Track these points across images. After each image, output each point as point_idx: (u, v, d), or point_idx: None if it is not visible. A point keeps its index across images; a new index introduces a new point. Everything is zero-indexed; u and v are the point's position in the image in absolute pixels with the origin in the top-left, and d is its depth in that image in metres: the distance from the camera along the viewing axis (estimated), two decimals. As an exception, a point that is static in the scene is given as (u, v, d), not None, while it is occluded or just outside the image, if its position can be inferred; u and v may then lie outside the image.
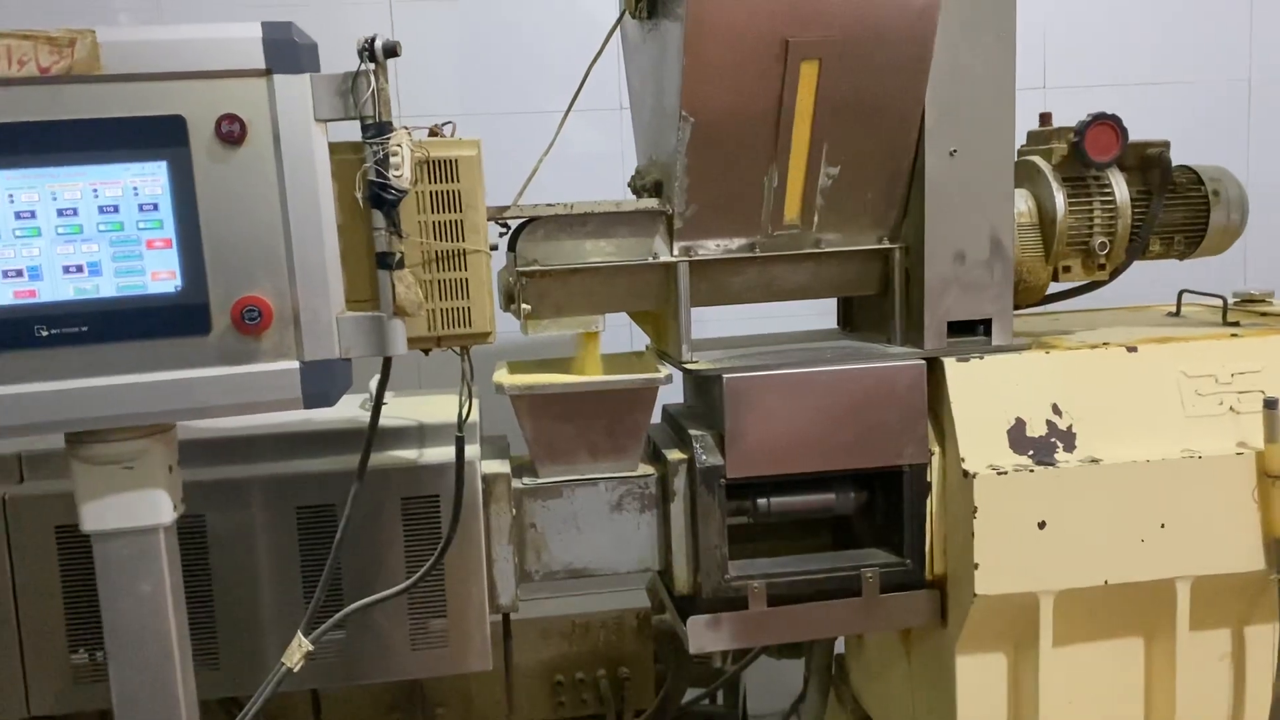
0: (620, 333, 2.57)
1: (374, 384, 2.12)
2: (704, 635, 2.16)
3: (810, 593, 2.17)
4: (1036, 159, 2.32)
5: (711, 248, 2.18)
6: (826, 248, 2.21)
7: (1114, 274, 2.35)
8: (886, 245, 2.22)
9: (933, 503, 2.17)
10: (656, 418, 2.37)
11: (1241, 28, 3.60)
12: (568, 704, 2.76)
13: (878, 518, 2.26)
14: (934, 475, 2.16)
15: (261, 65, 1.52)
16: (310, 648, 1.80)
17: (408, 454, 2.08)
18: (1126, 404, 2.15)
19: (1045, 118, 2.42)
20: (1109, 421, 2.13)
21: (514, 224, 2.14)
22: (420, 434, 2.12)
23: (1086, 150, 2.24)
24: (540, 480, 2.16)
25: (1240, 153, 3.60)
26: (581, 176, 2.58)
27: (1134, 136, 2.29)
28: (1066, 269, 2.32)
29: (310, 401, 1.59)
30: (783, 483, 2.19)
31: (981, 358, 2.15)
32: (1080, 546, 2.07)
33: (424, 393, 2.45)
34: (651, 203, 2.15)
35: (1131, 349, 2.19)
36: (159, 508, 1.63)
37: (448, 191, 1.69)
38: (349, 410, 2.17)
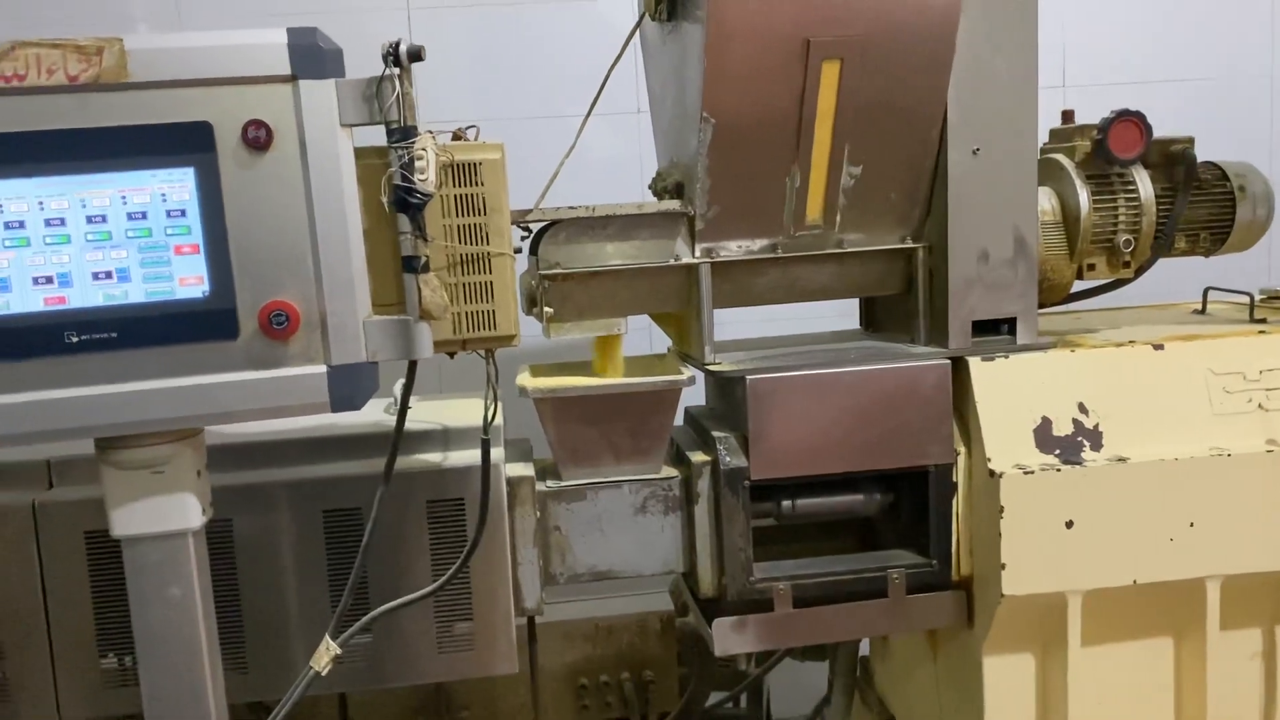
0: (639, 335, 2.57)
1: (398, 388, 2.13)
2: (729, 637, 2.15)
3: (836, 594, 2.16)
4: (1059, 157, 2.31)
5: (733, 249, 2.18)
6: (849, 248, 2.20)
7: (1139, 271, 2.34)
8: (910, 245, 2.21)
9: (958, 503, 2.16)
10: (678, 420, 2.36)
11: (1263, 24, 3.58)
12: (592, 707, 2.76)
13: (902, 519, 2.25)
14: (960, 475, 2.15)
15: (287, 71, 1.53)
16: (338, 651, 1.80)
17: (432, 457, 2.09)
18: (1153, 402, 2.13)
19: (1067, 115, 2.41)
20: (1136, 420, 2.12)
21: (535, 227, 2.14)
22: (445, 437, 2.13)
23: (1110, 147, 2.22)
24: (564, 483, 2.16)
25: (1263, 149, 3.56)
26: (598, 180, 2.58)
27: (1156, 133, 2.28)
28: (1091, 267, 2.31)
29: (338, 405, 1.59)
30: (807, 484, 2.18)
31: (1007, 357, 2.14)
32: (1108, 546, 2.06)
33: (446, 396, 2.45)
34: (673, 204, 2.15)
35: (1158, 347, 2.17)
36: (188, 512, 1.64)
37: (472, 195, 1.70)
38: (373, 414, 2.18)
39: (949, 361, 2.13)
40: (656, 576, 2.26)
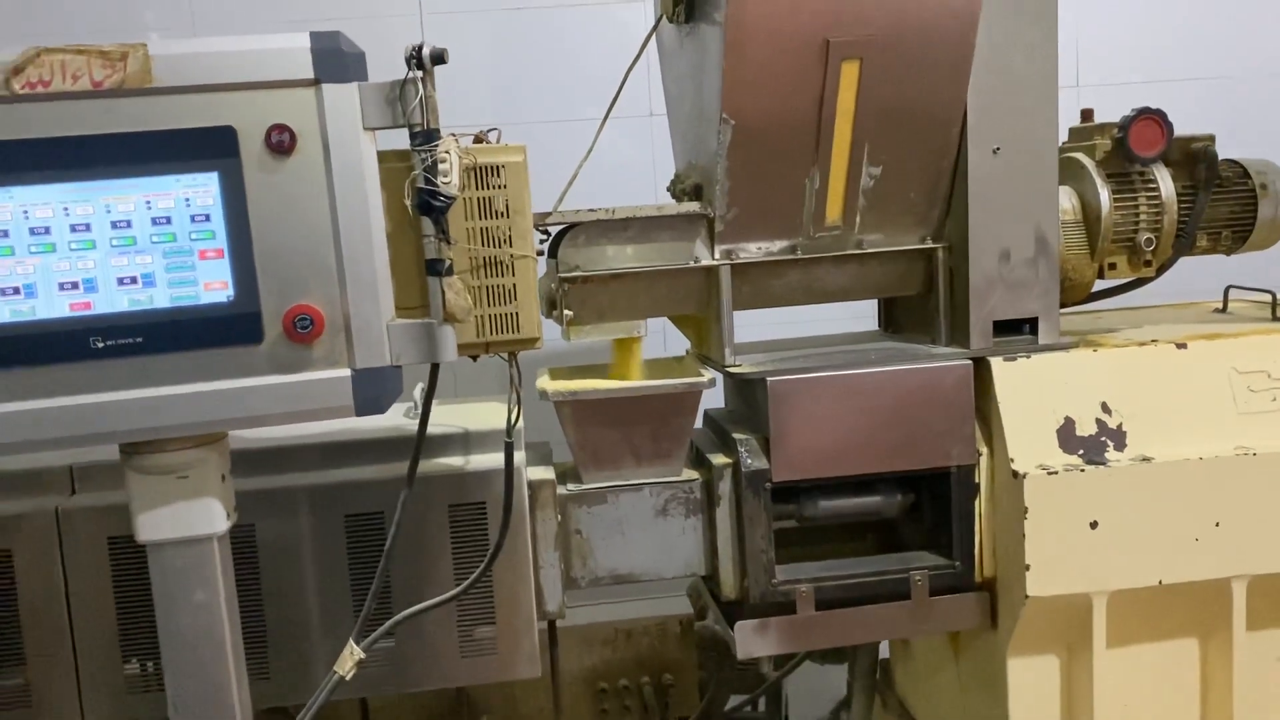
0: (653, 338, 2.56)
1: (418, 392, 2.13)
2: (752, 640, 2.14)
3: (858, 596, 2.16)
4: (1079, 156, 2.30)
5: (753, 250, 2.17)
6: (869, 248, 2.19)
7: (1160, 270, 2.32)
8: (930, 245, 2.20)
9: (981, 504, 2.15)
10: (697, 423, 2.36)
11: (1280, 20, 3.56)
12: (611, 711, 2.75)
13: (924, 520, 2.24)
14: (982, 476, 2.14)
15: (310, 75, 1.53)
16: (362, 655, 1.80)
17: (454, 461, 2.08)
18: (1177, 401, 2.12)
19: (1087, 114, 2.40)
20: (1160, 419, 2.10)
21: (554, 230, 2.14)
22: (465, 441, 2.12)
23: (1131, 145, 2.22)
24: (585, 486, 2.16)
25: (1281, 147, 3.55)
26: (611, 184, 2.58)
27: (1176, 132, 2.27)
28: (1112, 266, 2.30)
29: (362, 409, 1.59)
30: (827, 486, 2.17)
31: (1029, 357, 2.13)
32: (1133, 546, 2.05)
33: (465, 400, 2.45)
34: (693, 206, 2.15)
35: (1181, 346, 2.16)
36: (213, 517, 1.64)
37: (495, 197, 1.69)
38: (392, 418, 2.18)
39: (970, 362, 2.13)
40: (678, 579, 2.26)
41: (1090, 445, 2.08)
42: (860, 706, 2.77)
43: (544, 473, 2.16)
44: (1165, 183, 2.28)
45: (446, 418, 2.21)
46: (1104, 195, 2.24)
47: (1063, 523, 2.03)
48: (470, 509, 2.05)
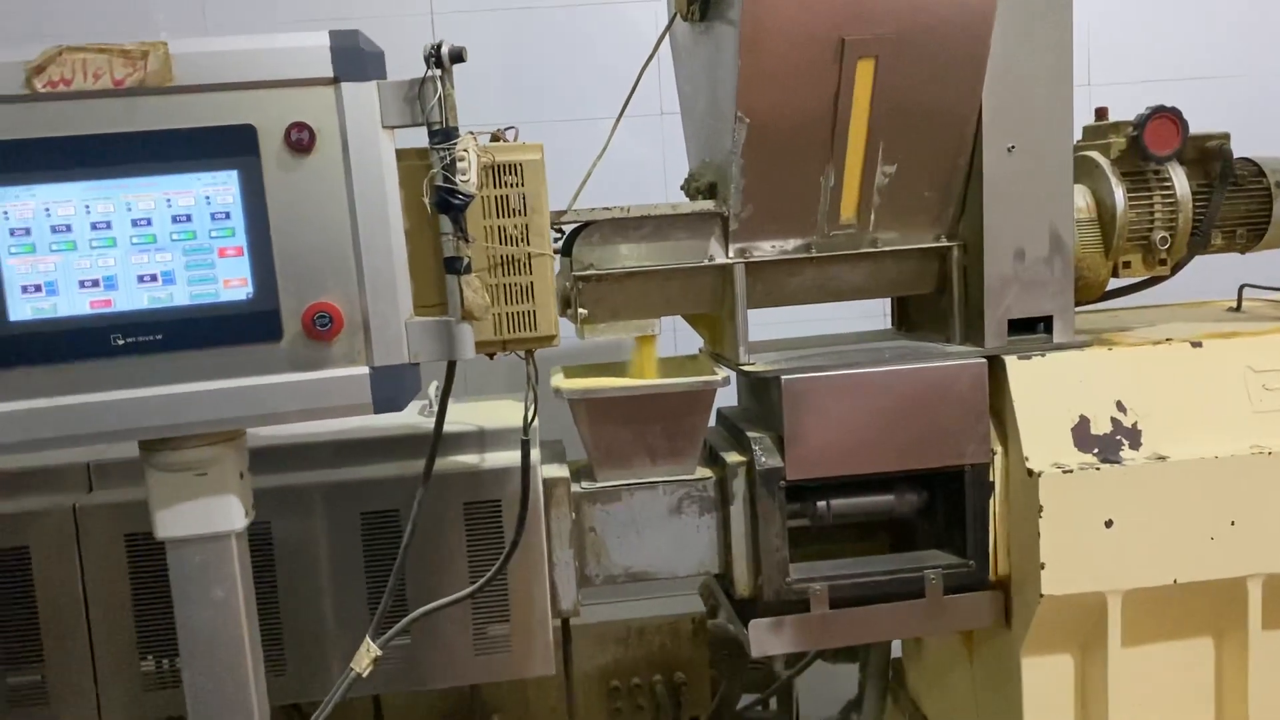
0: (662, 337, 2.56)
1: (432, 389, 2.14)
2: (766, 638, 2.14)
3: (872, 595, 2.15)
4: (1094, 154, 2.30)
5: (767, 249, 2.17)
6: (884, 247, 2.19)
7: (1175, 269, 2.32)
8: (944, 243, 2.20)
9: (995, 503, 2.15)
10: (710, 421, 2.36)
11: (1292, 18, 3.55)
12: (624, 710, 2.75)
13: (938, 519, 2.24)
14: (996, 475, 2.14)
15: (329, 74, 1.53)
16: (379, 653, 1.81)
17: (469, 459, 2.09)
18: (1192, 400, 2.12)
19: (1101, 112, 2.40)
20: (1175, 418, 2.10)
21: (568, 229, 2.14)
22: (480, 439, 2.13)
23: (1147, 144, 2.21)
24: (599, 484, 2.16)
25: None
26: (621, 183, 2.59)
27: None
28: (1126, 265, 2.30)
29: (380, 406, 1.59)
30: (841, 484, 2.17)
31: (1043, 355, 2.13)
32: (1148, 545, 2.04)
33: (478, 398, 2.46)
34: (708, 205, 2.15)
35: (1196, 344, 2.15)
36: (231, 514, 1.65)
37: (512, 196, 1.70)
38: (407, 416, 2.19)
39: (985, 360, 2.12)
40: (691, 577, 2.26)
41: (1105, 444, 2.07)
42: (872, 706, 2.77)
43: (558, 470, 2.16)
44: (1180, 181, 2.27)
45: (460, 415, 2.21)
46: (1119, 194, 2.24)
47: (1078, 521, 2.03)
48: (485, 507, 2.05)
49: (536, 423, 1.94)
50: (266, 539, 1.99)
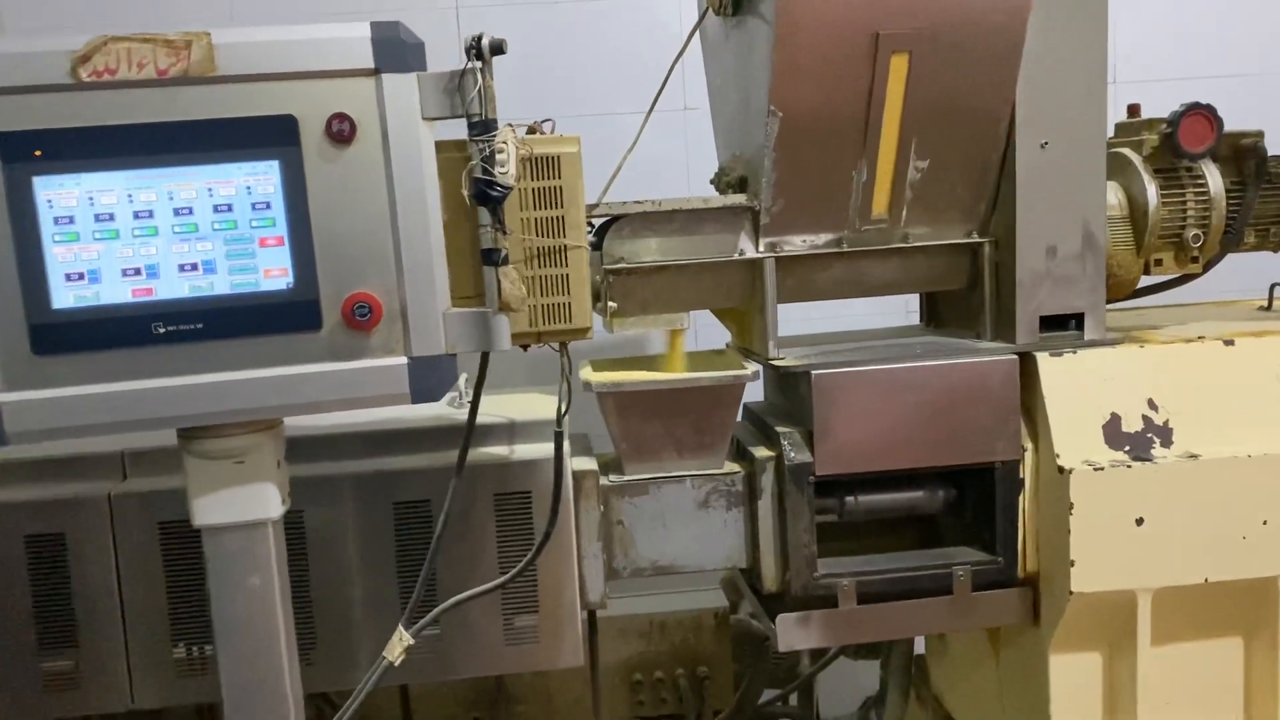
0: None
1: (462, 381, 2.15)
2: (793, 633, 2.15)
3: (900, 591, 2.15)
4: (1126, 151, 2.29)
5: (798, 243, 2.17)
6: (915, 242, 2.19)
7: (1207, 266, 2.31)
8: (976, 239, 2.20)
9: (1024, 500, 2.14)
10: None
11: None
12: (647, 703, 2.76)
13: (966, 515, 2.23)
14: (1026, 472, 2.13)
15: (370, 65, 1.54)
16: (411, 641, 1.82)
17: (499, 450, 2.10)
18: (1224, 398, 2.11)
19: (1133, 109, 2.39)
20: (1206, 416, 2.09)
21: (597, 222, 2.15)
22: (510, 431, 2.13)
23: (1180, 141, 2.20)
24: (627, 477, 2.17)
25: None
26: (643, 177, 2.59)
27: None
28: (1158, 262, 2.29)
29: (418, 396, 1.60)
30: (869, 480, 2.17)
31: (1075, 352, 2.12)
32: (1179, 543, 2.04)
33: (504, 391, 2.46)
34: (739, 198, 2.15)
35: (1228, 342, 2.14)
36: (268, 502, 1.66)
37: (549, 188, 1.70)
38: (437, 408, 2.20)
39: (1017, 357, 2.12)
40: (718, 571, 2.26)
41: (1136, 441, 2.07)
42: (895, 702, 2.77)
43: (587, 463, 2.17)
44: (1214, 179, 2.26)
45: (488, 408, 2.21)
46: (1151, 191, 2.23)
47: (1108, 519, 2.02)
48: (515, 498, 2.06)
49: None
50: (299, 528, 2.00)
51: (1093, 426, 2.08)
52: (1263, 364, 2.13)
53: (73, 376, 1.52)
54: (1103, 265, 2.15)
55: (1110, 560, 2.03)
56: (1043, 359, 2.11)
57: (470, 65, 1.56)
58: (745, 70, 2.14)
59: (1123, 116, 2.43)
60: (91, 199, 1.50)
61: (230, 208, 1.54)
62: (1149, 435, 2.08)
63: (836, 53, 1.98)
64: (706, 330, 2.58)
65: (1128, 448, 2.06)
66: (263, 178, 1.54)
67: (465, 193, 1.60)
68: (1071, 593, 2.03)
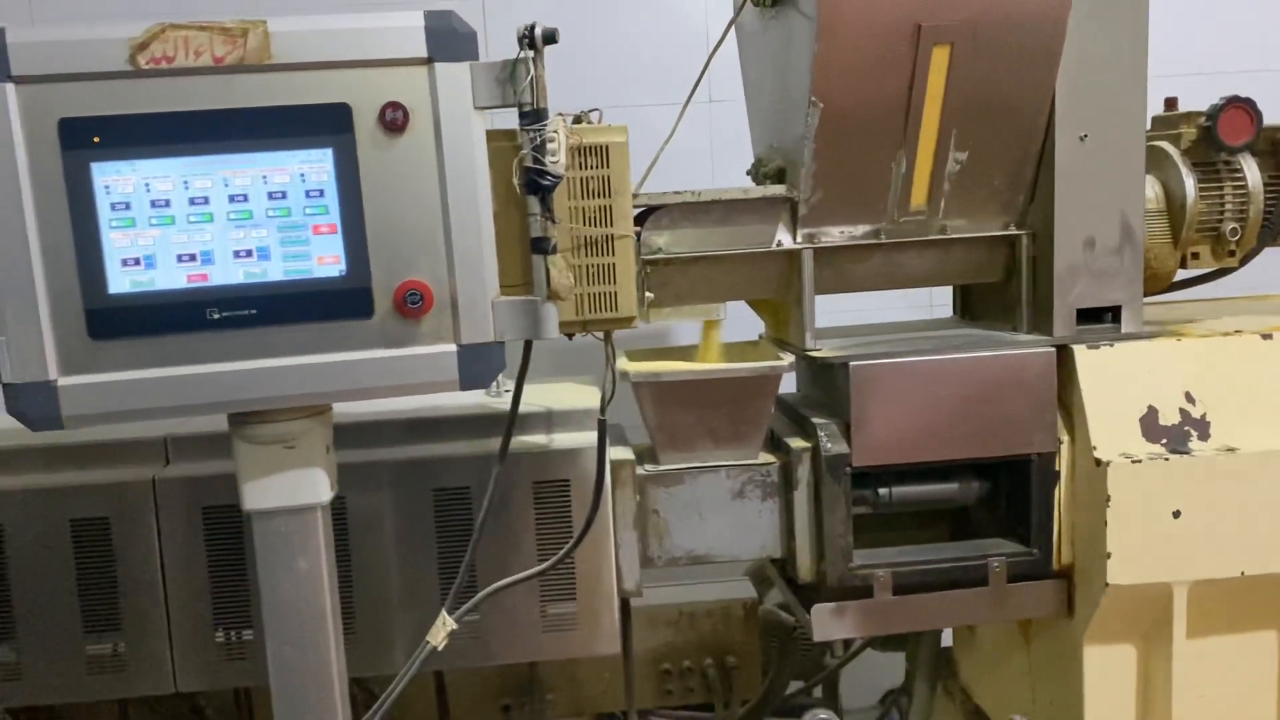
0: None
1: (501, 370, 2.15)
2: (829, 623, 2.16)
3: (935, 582, 2.16)
4: (1164, 144, 2.28)
5: (835, 235, 2.18)
6: (952, 234, 2.19)
7: (1244, 260, 2.31)
8: (1013, 231, 2.20)
9: (1060, 492, 2.15)
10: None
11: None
12: (675, 692, 2.77)
13: (1000, 507, 2.24)
14: (1062, 464, 2.14)
15: (424, 54, 1.55)
16: (454, 626, 1.83)
17: (538, 439, 2.11)
18: (1262, 392, 2.11)
19: (1171, 102, 2.38)
20: (1244, 410, 2.10)
21: (636, 212, 2.15)
22: (548, 419, 2.15)
23: (1220, 134, 2.20)
24: (663, 467, 2.18)
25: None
26: (669, 170, 2.59)
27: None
28: (1195, 256, 2.28)
29: (467, 384, 1.61)
30: (904, 472, 2.18)
31: (1112, 345, 2.13)
32: (1216, 537, 2.04)
33: (540, 380, 2.47)
34: (778, 189, 2.15)
35: (1266, 336, 2.15)
36: (318, 486, 1.67)
37: (597, 177, 1.71)
38: (475, 395, 2.21)
39: (1054, 349, 2.12)
40: (753, 561, 2.27)
41: (1174, 435, 2.07)
42: (922, 694, 2.78)
43: (623, 453, 2.18)
44: (1252, 172, 2.26)
45: (526, 397, 2.22)
46: (1189, 184, 2.23)
47: (1145, 512, 2.03)
48: (554, 486, 2.07)
49: (596, 405, 1.96)
50: (341, 513, 2.02)
51: (1130, 419, 2.08)
52: (1300, 358, 2.13)
53: (128, 361, 1.54)
54: (1140, 258, 2.15)
55: (1146, 553, 2.04)
56: (1080, 351, 2.12)
57: (522, 55, 1.57)
58: (784, 61, 2.15)
59: (1159, 110, 2.42)
60: (148, 185, 1.52)
61: (284, 195, 1.55)
62: (1186, 428, 2.08)
63: (878, 44, 1.98)
64: (733, 322, 2.58)
65: (1165, 441, 2.07)
66: (317, 165, 1.55)
67: (516, 181, 1.61)
68: (1107, 585, 2.04)
